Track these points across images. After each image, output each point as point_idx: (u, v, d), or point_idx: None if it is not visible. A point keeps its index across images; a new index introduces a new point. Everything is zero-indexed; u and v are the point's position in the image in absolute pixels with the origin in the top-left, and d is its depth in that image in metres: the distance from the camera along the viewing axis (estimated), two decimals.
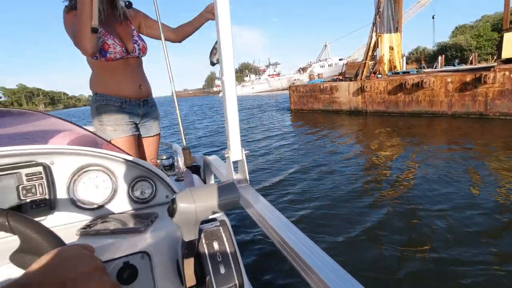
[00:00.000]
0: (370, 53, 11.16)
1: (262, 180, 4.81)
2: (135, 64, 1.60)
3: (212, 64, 1.50)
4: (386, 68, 11.78)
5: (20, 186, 0.67)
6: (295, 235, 0.52)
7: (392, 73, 11.83)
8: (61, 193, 0.72)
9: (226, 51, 0.68)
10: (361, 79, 11.11)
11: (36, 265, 0.33)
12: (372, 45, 11.16)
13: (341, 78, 13.04)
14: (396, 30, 11.87)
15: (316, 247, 0.47)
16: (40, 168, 0.69)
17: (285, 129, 9.96)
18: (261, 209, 0.64)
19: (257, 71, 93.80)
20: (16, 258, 0.43)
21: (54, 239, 0.44)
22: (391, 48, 11.95)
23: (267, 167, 5.52)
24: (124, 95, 1.58)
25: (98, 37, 1.35)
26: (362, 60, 11.36)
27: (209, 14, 1.55)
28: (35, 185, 0.68)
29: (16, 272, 0.45)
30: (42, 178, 0.69)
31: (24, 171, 0.67)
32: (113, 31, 1.48)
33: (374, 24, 11.31)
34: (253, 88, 64.84)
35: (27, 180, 0.68)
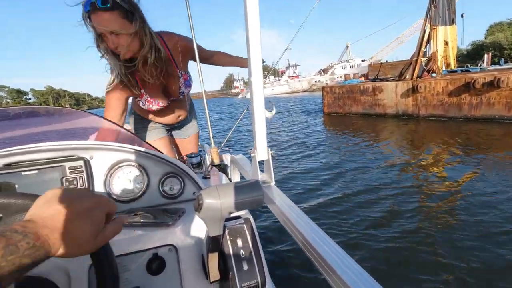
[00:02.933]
0: (422, 49, 9.63)
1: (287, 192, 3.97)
2: (178, 100, 1.55)
3: None
4: (440, 65, 10.19)
5: (64, 178, 0.72)
6: (318, 236, 0.49)
7: (448, 72, 10.23)
8: (98, 186, 0.76)
9: (254, 52, 0.61)
10: (411, 78, 9.61)
11: (40, 201, 0.36)
12: (425, 39, 9.62)
13: (364, 79, 11.66)
14: (452, 22, 10.27)
15: (339, 249, 0.45)
16: (81, 162, 0.73)
17: (318, 135, 8.64)
18: (285, 208, 0.60)
19: (276, 73, 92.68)
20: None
21: (29, 195, 0.44)
22: (446, 43, 10.35)
23: (293, 179, 4.62)
24: (161, 122, 1.62)
25: (143, 102, 1.42)
26: (413, 57, 9.84)
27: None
28: (76, 177, 0.73)
29: None
30: (82, 171, 0.73)
31: (67, 165, 0.72)
32: (158, 88, 1.42)
33: (427, 14, 9.77)
34: (272, 89, 63.78)
35: (70, 173, 0.72)
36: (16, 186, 0.67)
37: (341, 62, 69.42)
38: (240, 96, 72.15)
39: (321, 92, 13.62)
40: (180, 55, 1.38)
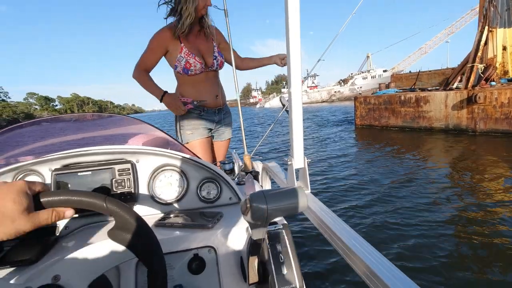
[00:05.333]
0: (479, 54, 8.33)
1: None
2: (213, 76, 1.77)
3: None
4: (499, 72, 8.81)
5: (113, 179, 0.76)
6: (358, 241, 0.49)
7: (507, 80, 8.84)
8: (143, 188, 0.81)
9: (294, 64, 0.65)
10: (466, 87, 8.30)
11: None
12: (482, 42, 8.32)
13: None
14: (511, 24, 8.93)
15: (381, 255, 0.45)
16: (128, 165, 0.78)
17: (350, 150, 7.52)
18: (322, 215, 0.61)
19: None
20: (113, 234, 0.51)
21: (139, 219, 0.51)
22: (504, 48, 9.00)
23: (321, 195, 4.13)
24: (202, 105, 1.74)
25: (181, 57, 1.62)
26: (465, 63, 8.55)
27: (277, 59, 1.80)
28: (124, 179, 0.77)
29: (113, 246, 0.53)
30: (129, 174, 0.78)
31: (117, 167, 0.77)
32: (196, 48, 1.66)
33: (485, 15, 8.50)
34: None
35: (119, 175, 0.77)
36: (69, 185, 0.72)
37: (362, 72, 67.78)
38: (258, 106, 71.56)
39: (341, 102, 12.57)
40: (218, 36, 1.78)
